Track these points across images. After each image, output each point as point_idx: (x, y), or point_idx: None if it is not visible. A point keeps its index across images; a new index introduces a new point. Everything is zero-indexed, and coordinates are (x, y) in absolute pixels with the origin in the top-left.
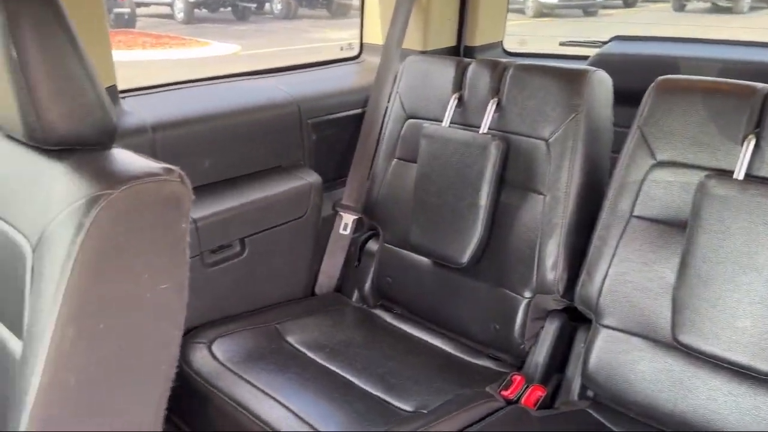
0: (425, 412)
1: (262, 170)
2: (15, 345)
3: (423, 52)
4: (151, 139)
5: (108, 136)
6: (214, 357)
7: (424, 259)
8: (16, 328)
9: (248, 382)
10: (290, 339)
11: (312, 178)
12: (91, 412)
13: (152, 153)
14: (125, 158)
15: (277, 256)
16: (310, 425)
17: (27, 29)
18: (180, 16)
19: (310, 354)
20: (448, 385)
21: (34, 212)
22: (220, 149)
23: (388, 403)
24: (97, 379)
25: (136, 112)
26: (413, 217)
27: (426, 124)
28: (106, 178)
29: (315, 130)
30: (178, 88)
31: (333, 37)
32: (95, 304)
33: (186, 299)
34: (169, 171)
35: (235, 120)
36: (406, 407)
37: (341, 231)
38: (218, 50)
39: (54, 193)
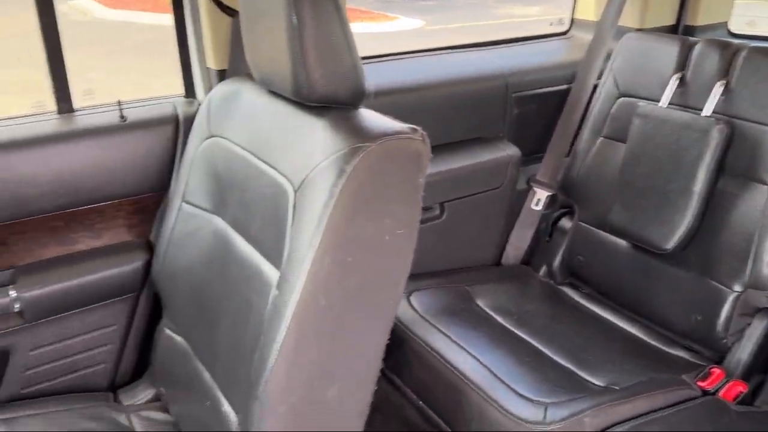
0: (617, 388)
1: (463, 140)
2: (271, 272)
3: (638, 30)
4: (372, 105)
5: (358, 97)
6: (411, 307)
7: (622, 241)
8: (274, 258)
9: (443, 332)
10: (479, 302)
11: (511, 150)
12: (335, 332)
13: None
14: (374, 117)
15: (471, 222)
16: (503, 381)
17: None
18: None
19: (498, 318)
20: (640, 368)
21: (297, 159)
22: (430, 117)
23: (579, 375)
24: (342, 303)
25: None
26: (616, 197)
27: (641, 103)
28: (364, 132)
29: (518, 104)
30: (396, 59)
31: (518, 14)
32: (347, 239)
33: (414, 246)
34: (414, 131)
35: (445, 90)
36: (597, 382)
37: (533, 206)
38: (405, 25)
39: (317, 143)
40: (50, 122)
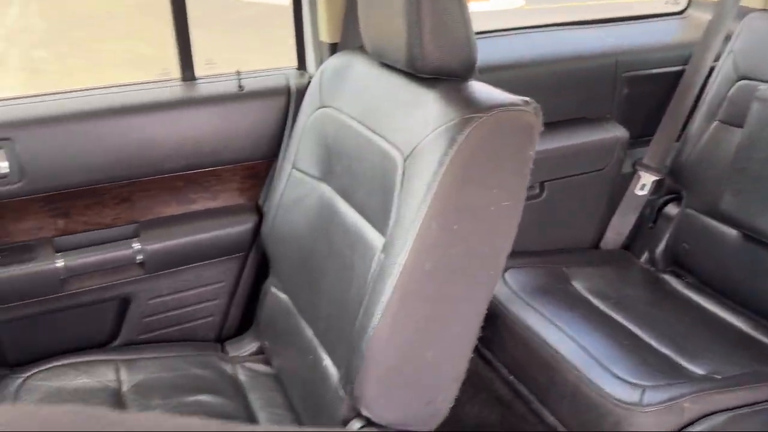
0: (719, 377)
1: (569, 119)
2: (375, 237)
3: (763, 11)
4: (478, 80)
5: (470, 69)
6: (506, 284)
7: (731, 230)
8: (378, 225)
9: (538, 311)
10: (575, 284)
11: (618, 132)
12: (437, 296)
13: None
14: (486, 89)
15: (571, 204)
16: (600, 362)
17: None
18: None
19: (595, 301)
20: (744, 360)
21: (408, 129)
22: (535, 95)
23: (678, 362)
24: (446, 269)
25: None
26: (728, 184)
27: (762, 86)
28: (477, 103)
29: (628, 85)
30: (502, 35)
31: None
32: (454, 207)
33: (519, 219)
34: (527, 103)
35: (552, 68)
36: (698, 370)
37: (637, 191)
38: (503, 4)
39: (429, 113)
40: (174, 89)
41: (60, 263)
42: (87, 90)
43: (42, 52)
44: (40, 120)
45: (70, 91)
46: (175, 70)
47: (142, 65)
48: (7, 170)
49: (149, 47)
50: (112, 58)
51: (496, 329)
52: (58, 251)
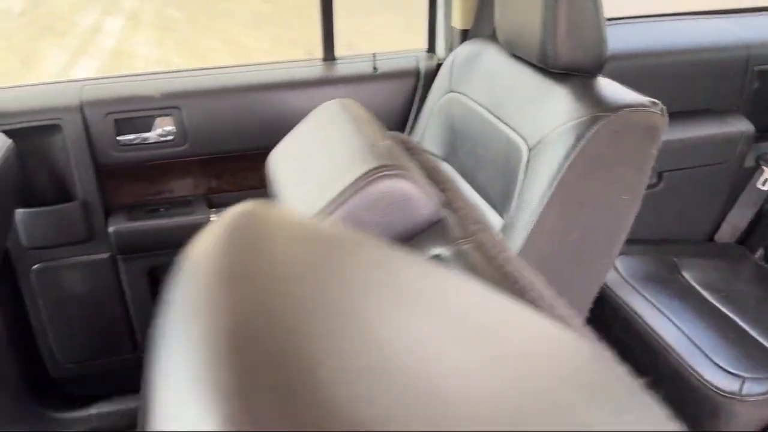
0: None
1: (692, 110)
2: (493, 218)
3: None
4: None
5: (599, 66)
6: (616, 269)
7: None
8: (498, 206)
9: (645, 298)
10: (686, 274)
11: (744, 126)
12: (550, 276)
13: None
14: (614, 87)
15: (689, 195)
16: (702, 351)
17: None
18: None
19: (704, 293)
20: None
21: (535, 120)
22: (659, 85)
23: None
24: (560, 253)
25: None
26: None
27: None
28: (605, 102)
29: (760, 78)
30: (630, 23)
31: None
32: (575, 197)
33: (636, 211)
34: (654, 104)
35: (678, 58)
36: None
37: (759, 185)
38: None
39: (558, 108)
40: (317, 68)
41: (213, 218)
42: (243, 66)
43: (174, 10)
44: (204, 92)
45: (230, 67)
46: (318, 50)
47: (259, 24)
48: (175, 134)
49: (266, 5)
50: (236, 19)
51: (602, 311)
52: (210, 207)
